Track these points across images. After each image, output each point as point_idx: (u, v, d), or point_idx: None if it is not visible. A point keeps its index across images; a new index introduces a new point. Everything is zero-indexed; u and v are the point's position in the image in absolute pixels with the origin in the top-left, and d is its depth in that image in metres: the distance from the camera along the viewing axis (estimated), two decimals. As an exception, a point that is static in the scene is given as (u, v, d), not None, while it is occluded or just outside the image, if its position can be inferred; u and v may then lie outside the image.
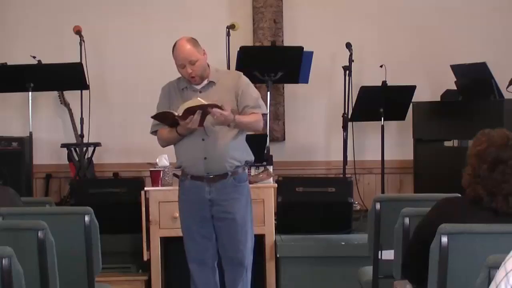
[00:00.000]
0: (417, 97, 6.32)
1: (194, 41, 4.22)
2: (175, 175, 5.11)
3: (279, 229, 5.38)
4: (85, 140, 6.38)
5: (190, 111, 3.99)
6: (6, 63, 6.14)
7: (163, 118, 4.14)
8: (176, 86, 4.29)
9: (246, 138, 4.34)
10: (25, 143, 6.23)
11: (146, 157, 5.80)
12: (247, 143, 4.34)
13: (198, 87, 4.23)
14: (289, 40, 6.87)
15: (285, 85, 6.87)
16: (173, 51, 4.20)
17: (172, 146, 4.34)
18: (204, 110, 4.00)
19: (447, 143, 6.60)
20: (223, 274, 4.39)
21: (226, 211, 4.21)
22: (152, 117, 4.15)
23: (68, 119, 6.58)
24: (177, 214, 4.79)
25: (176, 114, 4.01)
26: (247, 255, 4.31)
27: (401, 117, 6.32)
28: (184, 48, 4.15)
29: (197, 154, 4.16)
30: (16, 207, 3.78)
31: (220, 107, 4.01)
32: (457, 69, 6.29)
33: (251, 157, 4.31)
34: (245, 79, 4.30)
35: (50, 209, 4.14)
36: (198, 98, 4.03)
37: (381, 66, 6.40)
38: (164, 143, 4.33)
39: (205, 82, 4.22)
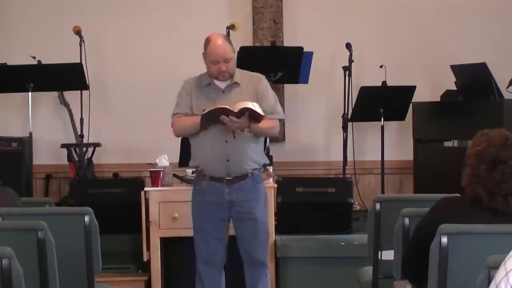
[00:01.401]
0: (417, 97, 6.32)
1: (228, 39, 4.26)
2: (175, 175, 5.11)
3: (279, 229, 5.38)
4: (85, 141, 6.38)
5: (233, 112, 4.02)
6: (6, 63, 6.14)
7: (213, 115, 4.08)
8: (199, 82, 4.26)
9: None
10: (25, 143, 6.23)
11: (146, 157, 5.80)
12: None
13: (222, 86, 4.22)
14: (289, 40, 6.87)
15: (285, 85, 6.87)
16: (206, 46, 4.18)
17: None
18: (252, 114, 4.04)
19: (447, 143, 6.60)
20: (229, 275, 4.38)
21: (246, 211, 4.22)
22: (203, 115, 4.08)
23: (68, 119, 6.58)
24: (177, 215, 4.81)
25: (231, 109, 4.00)
26: (268, 254, 4.36)
27: (401, 117, 6.32)
28: (220, 45, 4.14)
29: (220, 156, 4.16)
30: (16, 207, 3.78)
31: (262, 117, 4.05)
32: (457, 69, 6.29)
33: (267, 160, 4.36)
34: (265, 83, 4.31)
35: (50, 209, 4.14)
36: (254, 103, 4.05)
37: (381, 66, 6.41)
38: (181, 132, 4.32)
39: (229, 82, 4.22)
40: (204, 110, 4.13)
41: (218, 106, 4.06)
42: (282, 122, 4.40)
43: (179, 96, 4.30)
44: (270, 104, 4.23)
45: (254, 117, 4.07)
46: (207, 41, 4.19)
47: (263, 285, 4.34)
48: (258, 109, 4.05)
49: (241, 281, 4.47)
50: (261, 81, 4.30)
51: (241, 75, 4.27)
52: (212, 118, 4.08)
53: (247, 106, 4.03)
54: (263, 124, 4.14)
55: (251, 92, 4.22)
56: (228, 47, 4.17)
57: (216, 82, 4.22)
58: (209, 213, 4.23)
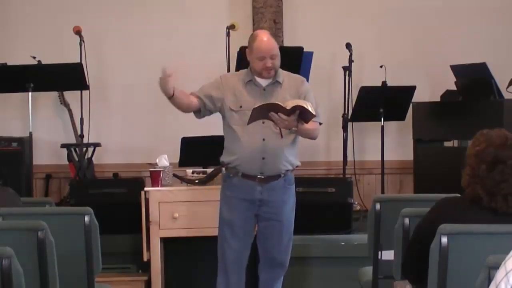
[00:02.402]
0: (417, 97, 6.32)
1: (273, 35, 4.24)
2: (175, 175, 5.11)
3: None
4: (85, 140, 6.38)
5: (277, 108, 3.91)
6: (6, 63, 6.14)
7: (263, 110, 3.96)
8: (238, 79, 4.24)
9: None
10: (25, 143, 6.23)
11: (146, 157, 5.80)
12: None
13: (263, 84, 4.19)
14: (289, 40, 6.87)
15: (285, 85, 6.86)
16: (252, 42, 4.16)
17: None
18: (302, 113, 3.95)
19: (447, 143, 6.60)
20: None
21: (274, 212, 4.20)
22: (254, 109, 3.94)
23: (68, 119, 6.58)
24: (177, 215, 4.79)
25: (284, 105, 3.92)
26: (289, 256, 4.33)
27: (401, 117, 6.32)
28: (267, 41, 4.13)
29: (256, 154, 4.12)
30: (16, 207, 3.78)
31: (312, 117, 3.98)
32: (457, 69, 6.30)
33: (299, 163, 4.31)
34: (307, 85, 4.29)
35: (50, 209, 4.13)
36: (307, 103, 3.97)
37: (381, 66, 6.41)
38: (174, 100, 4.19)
39: (270, 80, 4.18)
40: (241, 107, 4.13)
41: (271, 102, 3.99)
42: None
43: (206, 84, 4.26)
44: (313, 107, 4.14)
45: (304, 117, 3.98)
46: (253, 37, 4.19)
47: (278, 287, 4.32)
48: (310, 108, 3.95)
49: (250, 279, 4.46)
50: (303, 82, 4.27)
51: (283, 75, 4.23)
52: (262, 114, 3.98)
53: (300, 104, 3.94)
54: (309, 125, 4.07)
55: (293, 93, 4.18)
56: (274, 43, 4.16)
57: (258, 79, 4.19)
58: (239, 209, 4.19)
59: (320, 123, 4.27)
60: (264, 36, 4.15)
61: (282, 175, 4.20)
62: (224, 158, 4.26)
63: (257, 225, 4.27)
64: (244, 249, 4.25)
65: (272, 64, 4.12)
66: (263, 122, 4.06)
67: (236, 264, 4.24)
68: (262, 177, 4.16)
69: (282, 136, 4.09)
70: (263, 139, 4.12)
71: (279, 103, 3.95)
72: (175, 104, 4.20)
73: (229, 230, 4.23)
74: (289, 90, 4.20)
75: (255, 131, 4.09)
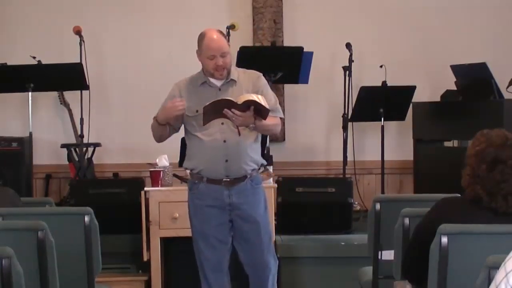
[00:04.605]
0: (417, 97, 6.32)
1: (223, 34, 4.14)
2: (175, 175, 5.11)
3: (279, 229, 5.38)
4: (85, 140, 6.38)
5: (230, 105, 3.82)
6: (6, 63, 6.14)
7: (216, 108, 3.86)
8: (192, 82, 4.12)
9: None
10: (25, 143, 6.24)
11: (146, 157, 5.80)
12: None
13: (218, 84, 4.07)
14: (289, 40, 6.87)
15: (285, 85, 6.87)
16: (201, 42, 4.05)
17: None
18: (257, 109, 3.85)
19: (447, 143, 6.61)
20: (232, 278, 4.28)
21: (248, 214, 4.07)
22: (205, 107, 3.84)
23: (68, 119, 6.58)
24: (177, 215, 4.78)
25: (236, 101, 3.81)
26: (272, 256, 4.19)
27: (401, 117, 6.32)
28: (216, 39, 4.01)
29: (218, 157, 4.00)
30: (16, 207, 3.78)
31: (268, 111, 3.88)
32: (457, 69, 6.30)
33: (264, 161, 4.21)
34: (264, 80, 4.16)
35: (50, 209, 4.13)
36: (258, 96, 3.87)
37: (381, 66, 6.41)
38: (154, 136, 4.14)
39: (225, 79, 4.07)
40: (197, 111, 4.00)
41: (222, 98, 3.87)
42: (282, 121, 4.28)
43: (165, 101, 4.14)
44: (271, 102, 4.05)
45: (259, 112, 3.88)
46: (202, 37, 4.06)
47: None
48: (263, 102, 3.85)
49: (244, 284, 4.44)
50: (259, 78, 4.15)
51: (237, 72, 4.13)
52: (215, 112, 3.87)
53: (251, 98, 3.83)
54: (268, 121, 3.96)
55: (250, 89, 4.05)
56: (224, 41, 4.04)
57: (212, 80, 4.07)
58: (210, 216, 4.06)
59: (281, 118, 4.16)
60: (213, 34, 4.03)
61: (248, 176, 4.06)
62: (186, 165, 4.14)
63: (232, 231, 4.11)
64: (222, 257, 4.12)
65: (223, 62, 4.00)
66: (222, 123, 3.97)
67: (216, 271, 4.13)
68: (228, 180, 4.02)
69: (239, 134, 3.97)
70: (224, 141, 4.00)
71: (231, 99, 3.84)
72: (160, 130, 4.09)
73: (203, 241, 4.11)
74: (246, 86, 4.07)
75: (215, 133, 4.00)
